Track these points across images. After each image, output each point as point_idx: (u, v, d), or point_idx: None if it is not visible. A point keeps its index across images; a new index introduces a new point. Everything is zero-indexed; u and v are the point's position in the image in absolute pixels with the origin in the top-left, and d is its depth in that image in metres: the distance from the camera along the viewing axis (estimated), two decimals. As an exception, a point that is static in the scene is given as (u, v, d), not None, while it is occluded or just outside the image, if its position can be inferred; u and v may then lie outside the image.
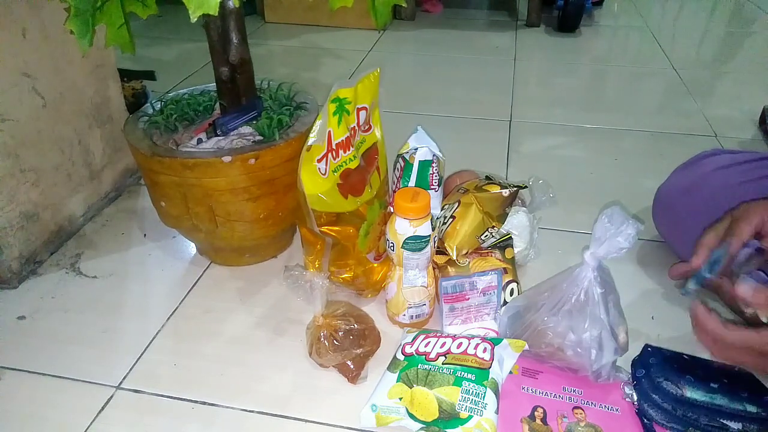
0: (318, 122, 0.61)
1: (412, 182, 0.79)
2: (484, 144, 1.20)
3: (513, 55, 1.70)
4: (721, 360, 0.61)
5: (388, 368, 0.63)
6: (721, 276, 0.62)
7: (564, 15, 1.85)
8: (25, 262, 0.82)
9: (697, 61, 1.70)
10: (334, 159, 0.65)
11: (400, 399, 0.59)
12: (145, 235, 0.91)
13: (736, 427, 0.56)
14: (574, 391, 0.62)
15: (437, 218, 0.75)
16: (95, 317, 0.75)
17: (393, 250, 0.66)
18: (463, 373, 0.59)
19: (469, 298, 0.69)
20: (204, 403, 0.64)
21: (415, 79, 1.58)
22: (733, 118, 1.30)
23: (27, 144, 0.80)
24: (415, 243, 0.65)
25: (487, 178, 0.80)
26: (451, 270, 0.71)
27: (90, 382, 0.66)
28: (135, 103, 1.12)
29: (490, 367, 0.60)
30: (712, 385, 0.58)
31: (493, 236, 0.72)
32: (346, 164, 0.67)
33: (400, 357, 0.63)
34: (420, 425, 0.58)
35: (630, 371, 0.64)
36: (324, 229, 0.67)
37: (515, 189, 0.75)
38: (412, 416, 0.58)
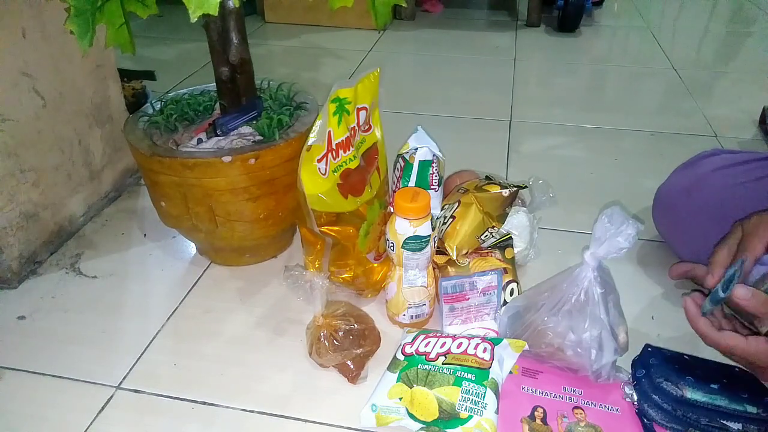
0: (318, 122, 0.61)
1: (412, 182, 0.79)
2: (484, 144, 1.20)
3: (513, 55, 1.70)
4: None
5: (388, 368, 0.63)
6: None
7: (564, 15, 1.85)
8: (25, 262, 0.82)
9: (697, 61, 1.70)
10: (334, 159, 0.65)
11: (400, 399, 0.59)
12: (145, 235, 0.91)
13: (736, 428, 0.56)
14: (574, 391, 0.62)
15: (437, 218, 0.75)
16: (95, 317, 0.75)
17: (393, 250, 0.66)
18: (463, 373, 0.59)
19: (469, 298, 0.69)
20: (204, 403, 0.64)
21: (415, 79, 1.58)
22: (733, 118, 1.30)
23: (27, 144, 0.80)
24: (415, 243, 0.65)
25: (487, 178, 0.80)
26: (451, 270, 0.71)
27: (90, 382, 0.66)
28: (135, 103, 1.12)
29: (490, 367, 0.60)
30: (712, 385, 0.58)
31: (493, 236, 0.72)
32: (346, 164, 0.67)
33: (400, 357, 0.63)
34: (420, 425, 0.58)
35: (630, 371, 0.64)
36: (324, 229, 0.67)
37: (515, 189, 0.75)
38: (412, 416, 0.58)
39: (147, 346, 0.71)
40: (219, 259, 0.84)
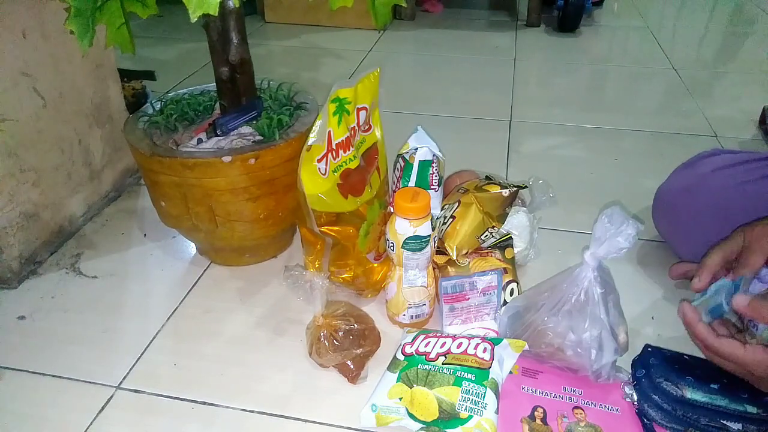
0: (318, 122, 0.61)
1: (412, 182, 0.79)
2: (484, 144, 1.20)
3: (513, 55, 1.70)
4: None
5: (388, 368, 0.63)
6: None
7: (564, 15, 1.85)
8: (25, 262, 0.82)
9: (697, 61, 1.70)
10: (334, 159, 0.65)
11: (400, 399, 0.59)
12: (145, 235, 0.91)
13: (736, 428, 0.56)
14: (574, 391, 0.62)
15: (437, 218, 0.75)
16: (95, 317, 0.75)
17: (393, 250, 0.66)
18: (463, 373, 0.59)
19: (469, 298, 0.69)
20: (204, 403, 0.64)
21: (415, 79, 1.58)
22: (733, 118, 1.30)
23: (27, 144, 0.80)
24: (415, 243, 0.65)
25: (487, 178, 0.80)
26: (451, 270, 0.71)
27: (90, 382, 0.66)
28: (135, 103, 1.12)
29: (490, 367, 0.60)
30: (712, 385, 0.58)
31: (493, 236, 0.72)
32: (346, 164, 0.67)
33: (400, 357, 0.63)
34: (420, 425, 0.58)
35: (630, 371, 0.64)
36: (324, 229, 0.67)
37: (515, 189, 0.75)
38: (412, 416, 0.58)
39: (147, 346, 0.71)
40: (219, 259, 0.84)
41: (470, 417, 0.56)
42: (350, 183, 0.67)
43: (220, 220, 0.73)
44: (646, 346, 0.64)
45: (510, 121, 1.29)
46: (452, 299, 0.69)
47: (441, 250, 0.71)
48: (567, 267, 0.62)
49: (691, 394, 0.57)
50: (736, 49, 1.83)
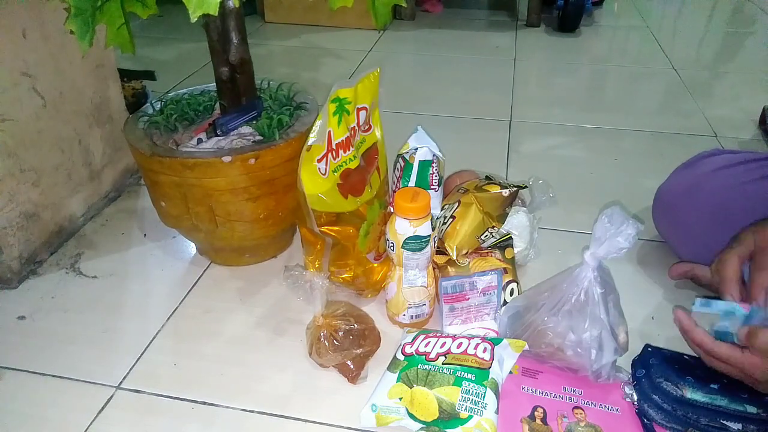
0: (318, 122, 0.61)
1: (412, 182, 0.79)
2: (484, 144, 1.20)
3: (513, 55, 1.70)
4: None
5: (388, 368, 0.63)
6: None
7: (564, 15, 1.85)
8: (25, 262, 0.82)
9: (697, 61, 1.70)
10: (334, 159, 0.65)
11: (400, 399, 0.59)
12: (145, 235, 0.91)
13: (736, 428, 0.56)
14: (574, 391, 0.62)
15: (437, 218, 0.75)
16: (95, 317, 0.75)
17: (393, 250, 0.66)
18: (463, 373, 0.59)
19: (469, 298, 0.69)
20: (204, 403, 0.64)
21: (415, 79, 1.58)
22: (733, 118, 1.30)
23: (27, 144, 0.80)
24: (415, 243, 0.65)
25: (487, 178, 0.80)
26: (451, 270, 0.71)
27: (90, 382, 0.66)
28: (135, 103, 1.12)
29: (490, 367, 0.60)
30: (712, 385, 0.58)
31: (493, 236, 0.72)
32: (346, 164, 0.67)
33: (400, 357, 0.63)
34: (420, 425, 0.58)
35: (630, 371, 0.64)
36: (324, 229, 0.67)
37: (515, 189, 0.75)
38: (412, 416, 0.58)
39: (147, 346, 0.71)
40: (219, 259, 0.84)
41: (470, 417, 0.56)
42: (350, 183, 0.67)
43: (220, 220, 0.73)
44: (646, 346, 0.64)
45: (510, 121, 1.29)
46: (452, 299, 0.69)
47: (441, 250, 0.71)
48: (567, 267, 0.62)
49: (691, 394, 0.57)
50: (736, 49, 1.83)
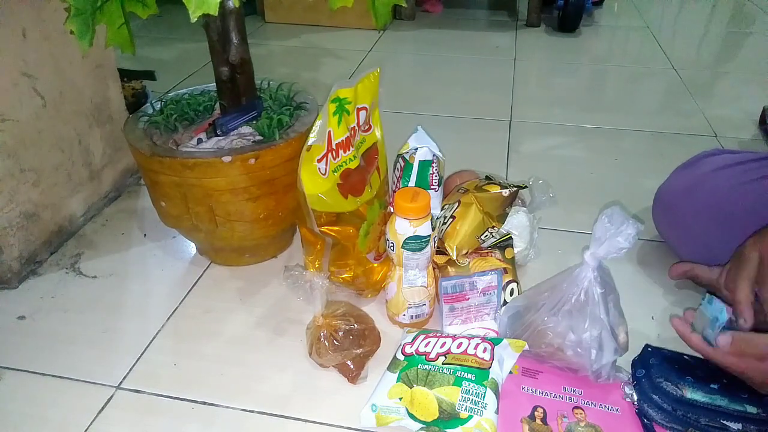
0: (318, 122, 0.61)
1: (412, 182, 0.79)
2: (484, 144, 1.20)
3: (513, 55, 1.70)
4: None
5: (388, 368, 0.63)
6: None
7: (564, 15, 1.85)
8: (25, 262, 0.82)
9: (697, 61, 1.70)
10: (334, 159, 0.65)
11: (400, 399, 0.59)
12: (145, 235, 0.91)
13: (736, 428, 0.56)
14: (574, 391, 0.62)
15: (437, 218, 0.75)
16: (95, 317, 0.75)
17: (393, 250, 0.66)
18: (463, 373, 0.59)
19: (469, 298, 0.69)
20: (204, 403, 0.64)
21: (415, 79, 1.58)
22: (733, 118, 1.30)
23: (27, 144, 0.80)
24: (415, 243, 0.65)
25: (487, 178, 0.80)
26: (451, 270, 0.71)
27: (90, 382, 0.66)
28: (135, 103, 1.12)
29: (490, 367, 0.60)
30: (712, 385, 0.58)
31: (493, 236, 0.72)
32: (346, 164, 0.67)
33: (400, 357, 0.63)
34: (420, 425, 0.58)
35: (630, 371, 0.64)
36: (324, 229, 0.67)
37: (515, 189, 0.75)
38: (412, 416, 0.58)
39: (147, 346, 0.71)
40: (219, 259, 0.84)
41: (470, 417, 0.56)
42: (350, 183, 0.67)
43: (220, 220, 0.73)
44: (646, 346, 0.64)
45: (510, 121, 1.29)
46: (452, 299, 0.69)
47: (441, 250, 0.71)
48: (567, 267, 0.62)
49: (691, 394, 0.57)
50: (736, 49, 1.83)
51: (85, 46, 0.57)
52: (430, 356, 0.62)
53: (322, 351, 0.65)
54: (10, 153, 0.77)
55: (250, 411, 0.63)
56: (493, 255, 0.73)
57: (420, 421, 0.58)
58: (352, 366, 0.65)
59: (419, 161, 0.78)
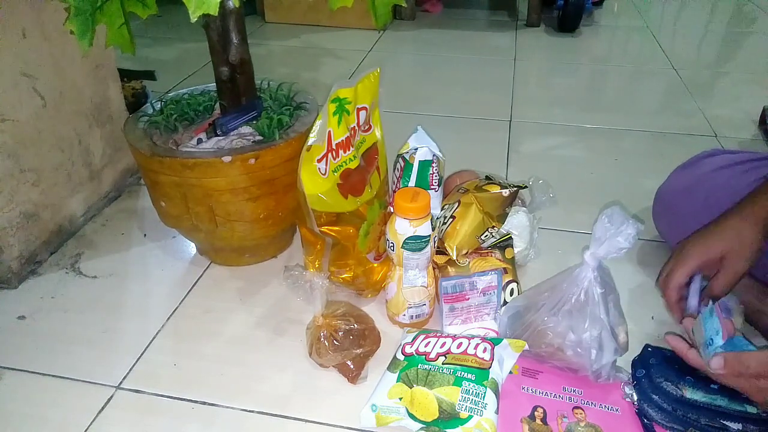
0: (318, 122, 0.61)
1: (412, 182, 0.79)
2: (484, 144, 1.20)
3: (513, 55, 1.70)
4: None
5: (388, 368, 0.63)
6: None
7: (564, 15, 1.85)
8: (25, 262, 0.82)
9: (697, 61, 1.70)
10: (334, 159, 0.65)
11: (400, 399, 0.59)
12: (145, 235, 0.91)
13: (736, 428, 0.56)
14: (574, 391, 0.62)
15: (437, 218, 0.75)
16: (95, 317, 0.75)
17: (393, 250, 0.66)
18: (463, 373, 0.59)
19: (469, 298, 0.69)
20: (204, 403, 0.64)
21: (415, 79, 1.58)
22: (733, 118, 1.30)
23: (27, 144, 0.80)
24: (415, 243, 0.65)
25: (487, 178, 0.80)
26: (451, 270, 0.71)
27: (90, 382, 0.66)
28: (135, 103, 1.12)
29: (490, 367, 0.60)
30: (712, 385, 0.58)
31: (493, 236, 0.72)
32: (346, 164, 0.67)
33: (400, 357, 0.63)
34: (420, 425, 0.58)
35: (630, 371, 0.64)
36: (324, 229, 0.67)
37: (515, 189, 0.75)
38: (412, 416, 0.58)
39: (147, 346, 0.71)
40: (219, 259, 0.84)
41: (470, 417, 0.56)
42: (350, 183, 0.67)
43: (220, 220, 0.73)
44: (646, 346, 0.64)
45: (510, 121, 1.29)
46: (452, 299, 0.69)
47: (441, 250, 0.71)
48: (567, 267, 0.62)
49: (691, 394, 0.57)
50: (736, 49, 1.83)
51: (85, 46, 0.57)
52: (430, 356, 0.62)
53: (322, 351, 0.65)
54: (10, 153, 0.77)
55: (250, 411, 0.63)
56: (493, 255, 0.73)
57: (420, 421, 0.58)
58: (352, 366, 0.65)
59: (419, 161, 0.78)
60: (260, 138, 0.74)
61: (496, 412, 0.57)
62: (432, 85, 1.52)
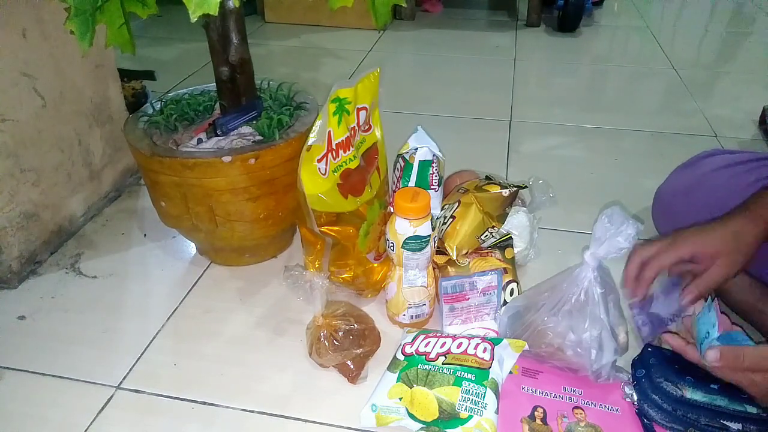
0: (318, 122, 0.61)
1: (412, 182, 0.79)
2: (484, 144, 1.20)
3: (513, 55, 1.70)
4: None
5: (388, 368, 0.63)
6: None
7: (564, 15, 1.85)
8: (25, 262, 0.82)
9: (697, 61, 1.70)
10: (334, 159, 0.65)
11: (400, 399, 0.59)
12: (145, 235, 0.91)
13: (735, 428, 0.56)
14: (574, 391, 0.62)
15: (437, 218, 0.75)
16: (95, 317, 0.75)
17: (393, 250, 0.66)
18: (463, 373, 0.59)
19: (469, 298, 0.69)
20: (204, 403, 0.64)
21: (415, 79, 1.58)
22: (733, 118, 1.30)
23: (27, 144, 0.80)
24: (415, 243, 0.65)
25: (487, 178, 0.80)
26: (451, 270, 0.71)
27: (90, 382, 0.66)
28: (135, 103, 1.12)
29: (490, 367, 0.60)
30: (712, 385, 0.57)
31: (493, 236, 0.72)
32: (346, 164, 0.67)
33: (400, 357, 0.63)
34: (420, 425, 0.58)
35: (630, 371, 0.64)
36: (324, 229, 0.67)
37: (515, 189, 0.75)
38: (412, 416, 0.58)
39: (147, 346, 0.71)
40: (219, 259, 0.84)
41: (470, 417, 0.56)
42: (350, 183, 0.67)
43: (220, 220, 0.73)
44: (646, 345, 0.64)
45: (510, 121, 1.29)
46: (452, 299, 0.69)
47: (441, 250, 0.71)
48: (567, 267, 0.62)
49: (691, 394, 0.57)
50: (736, 49, 1.83)
51: (85, 46, 0.57)
52: (430, 356, 0.62)
53: (322, 351, 0.65)
54: (10, 153, 0.77)
55: (250, 411, 0.63)
56: (493, 255, 0.73)
57: (420, 421, 0.58)
58: (352, 366, 0.65)
59: (419, 161, 0.78)
60: (260, 138, 0.74)
61: (496, 412, 0.57)
62: (432, 85, 1.52)
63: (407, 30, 1.94)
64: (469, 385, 0.58)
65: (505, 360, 0.62)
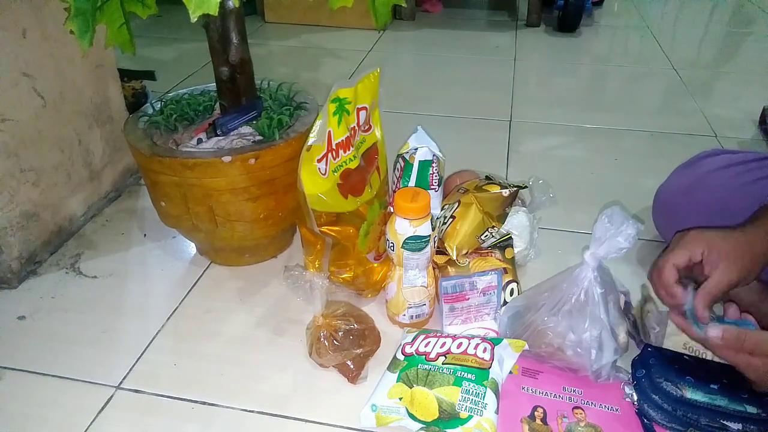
0: (318, 122, 0.61)
1: (412, 182, 0.79)
2: (484, 144, 1.20)
3: (513, 55, 1.70)
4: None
5: (388, 368, 0.63)
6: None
7: (564, 15, 1.85)
8: (25, 262, 0.82)
9: (697, 61, 1.70)
10: (334, 159, 0.65)
11: (400, 399, 0.59)
12: (145, 235, 0.91)
13: (736, 428, 0.56)
14: (574, 391, 0.62)
15: (437, 218, 0.75)
16: (95, 317, 0.75)
17: (393, 250, 0.66)
18: (463, 373, 0.59)
19: (469, 298, 0.69)
20: (204, 403, 0.64)
21: (415, 79, 1.58)
22: (733, 118, 1.30)
23: (27, 144, 0.80)
24: (415, 243, 0.65)
25: (487, 178, 0.80)
26: (451, 270, 0.71)
27: (90, 382, 0.66)
28: (135, 103, 1.12)
29: (490, 367, 0.60)
30: (712, 385, 0.57)
31: (493, 236, 0.72)
32: (346, 164, 0.67)
33: (400, 357, 0.63)
34: (420, 425, 0.58)
35: (630, 371, 0.64)
36: (324, 229, 0.67)
37: (515, 189, 0.75)
38: (412, 416, 0.58)
39: (147, 346, 0.71)
40: (219, 259, 0.84)
41: (470, 417, 0.56)
42: (350, 183, 0.67)
43: (220, 220, 0.73)
44: (646, 345, 0.64)
45: (510, 121, 1.29)
46: (452, 299, 0.69)
47: (441, 250, 0.71)
48: (567, 267, 0.62)
49: (691, 394, 0.57)
50: (736, 49, 1.83)
51: (85, 46, 0.56)
52: (430, 356, 0.62)
53: (322, 351, 0.65)
54: (10, 153, 0.77)
55: (250, 411, 0.63)
56: (493, 255, 0.73)
57: (420, 421, 0.58)
58: (352, 366, 0.65)
59: (419, 161, 0.78)
60: (260, 138, 0.74)
61: (496, 412, 0.57)
62: (432, 85, 1.52)
63: (407, 30, 1.94)
64: (469, 385, 0.58)
65: (505, 360, 0.62)
